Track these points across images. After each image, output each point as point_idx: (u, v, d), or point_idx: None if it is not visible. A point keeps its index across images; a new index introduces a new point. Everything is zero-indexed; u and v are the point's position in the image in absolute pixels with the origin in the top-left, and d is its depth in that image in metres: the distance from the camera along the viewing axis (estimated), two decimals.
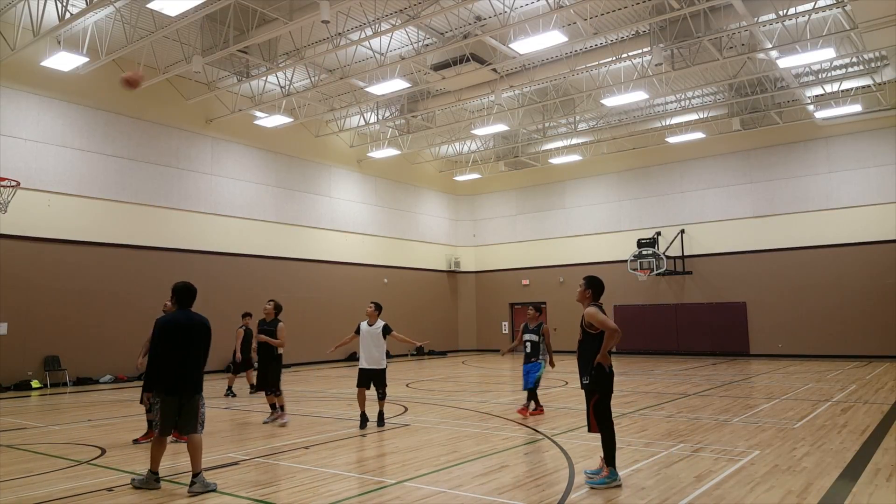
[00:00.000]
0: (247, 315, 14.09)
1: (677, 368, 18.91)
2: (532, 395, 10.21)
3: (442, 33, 17.04)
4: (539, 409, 10.32)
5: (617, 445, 6.07)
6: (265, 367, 10.04)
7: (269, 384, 9.96)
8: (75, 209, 17.53)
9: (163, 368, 6.09)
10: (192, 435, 6.07)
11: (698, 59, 17.60)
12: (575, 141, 26.33)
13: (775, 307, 23.11)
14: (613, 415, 6.16)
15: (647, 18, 16.06)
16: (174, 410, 6.06)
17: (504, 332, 30.07)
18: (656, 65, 17.62)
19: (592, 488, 5.76)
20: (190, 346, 6.11)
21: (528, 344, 10.33)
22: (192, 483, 5.88)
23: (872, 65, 19.36)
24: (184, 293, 6.34)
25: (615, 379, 6.20)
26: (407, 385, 15.58)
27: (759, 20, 15.82)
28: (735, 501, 5.29)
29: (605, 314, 6.10)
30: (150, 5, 13.60)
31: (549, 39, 15.49)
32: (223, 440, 8.56)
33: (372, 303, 9.70)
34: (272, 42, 17.33)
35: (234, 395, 13.84)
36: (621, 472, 6.17)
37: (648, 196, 26.50)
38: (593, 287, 6.31)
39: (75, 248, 17.45)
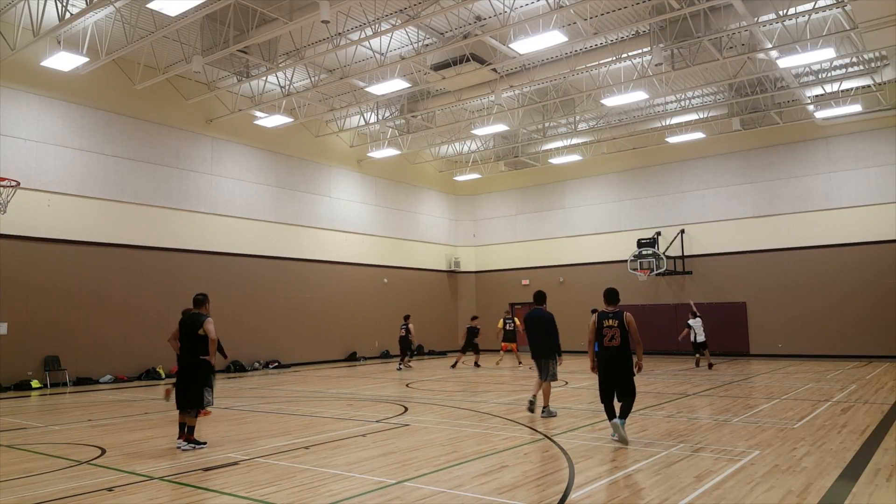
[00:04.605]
0: (475, 318, 21.27)
1: (677, 368, 18.91)
2: None
3: (442, 33, 17.04)
4: None
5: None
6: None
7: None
8: (75, 209, 17.53)
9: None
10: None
11: (698, 59, 17.60)
12: (575, 141, 26.33)
13: (775, 307, 23.10)
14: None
15: (647, 18, 16.06)
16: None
17: None
18: (656, 65, 17.62)
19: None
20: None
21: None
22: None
23: (872, 65, 19.36)
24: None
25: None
26: (407, 385, 15.59)
27: (759, 20, 15.81)
28: (735, 501, 5.29)
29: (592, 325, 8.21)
30: (150, 5, 13.59)
31: (549, 39, 15.49)
32: (223, 440, 8.56)
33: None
34: (272, 42, 17.32)
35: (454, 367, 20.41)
36: (621, 472, 6.30)
37: (648, 196, 26.50)
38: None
39: (75, 248, 17.45)
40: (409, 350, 20.97)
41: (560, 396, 12.53)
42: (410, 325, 21.24)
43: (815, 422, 9.11)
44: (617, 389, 7.88)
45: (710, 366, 18.60)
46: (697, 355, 18.87)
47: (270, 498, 5.65)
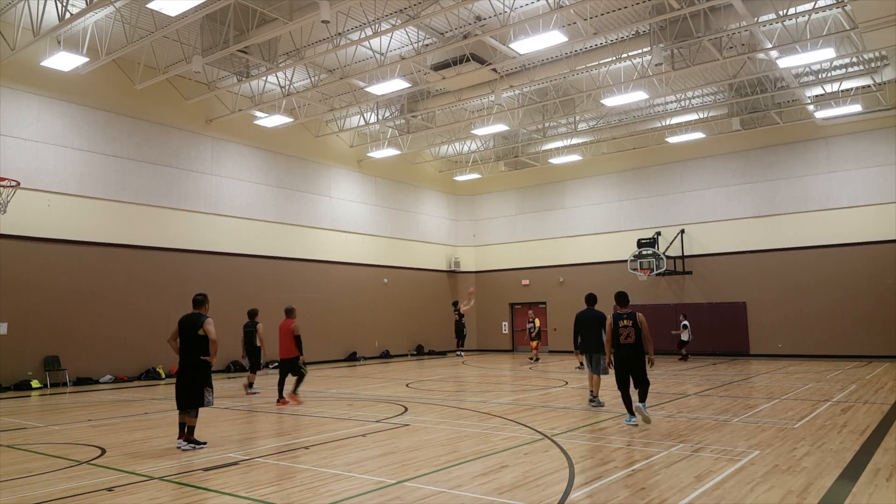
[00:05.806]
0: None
1: (677, 368, 18.91)
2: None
3: (442, 33, 17.04)
4: None
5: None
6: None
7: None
8: (75, 209, 17.53)
9: None
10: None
11: (698, 59, 17.60)
12: (575, 141, 26.32)
13: (775, 307, 23.10)
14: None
15: (647, 18, 16.05)
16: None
17: (504, 332, 30.07)
18: (656, 65, 17.62)
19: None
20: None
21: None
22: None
23: (872, 65, 19.36)
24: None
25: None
26: (407, 385, 15.58)
27: (759, 20, 15.81)
28: (735, 501, 5.29)
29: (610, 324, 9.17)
30: (150, 5, 13.59)
31: (549, 39, 15.48)
32: (223, 440, 8.56)
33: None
34: (272, 42, 17.33)
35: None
36: (621, 472, 6.30)
37: (648, 196, 26.49)
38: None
39: (75, 248, 17.44)
40: (460, 337, 23.02)
41: (561, 396, 12.54)
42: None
43: (815, 422, 9.11)
44: (633, 380, 9.01)
45: (685, 358, 22.28)
46: (684, 351, 22.33)
47: (270, 498, 5.64)
